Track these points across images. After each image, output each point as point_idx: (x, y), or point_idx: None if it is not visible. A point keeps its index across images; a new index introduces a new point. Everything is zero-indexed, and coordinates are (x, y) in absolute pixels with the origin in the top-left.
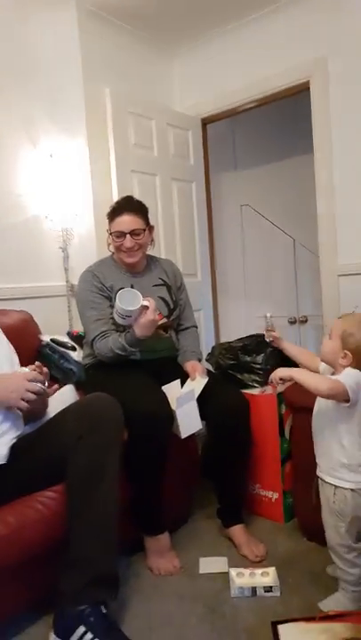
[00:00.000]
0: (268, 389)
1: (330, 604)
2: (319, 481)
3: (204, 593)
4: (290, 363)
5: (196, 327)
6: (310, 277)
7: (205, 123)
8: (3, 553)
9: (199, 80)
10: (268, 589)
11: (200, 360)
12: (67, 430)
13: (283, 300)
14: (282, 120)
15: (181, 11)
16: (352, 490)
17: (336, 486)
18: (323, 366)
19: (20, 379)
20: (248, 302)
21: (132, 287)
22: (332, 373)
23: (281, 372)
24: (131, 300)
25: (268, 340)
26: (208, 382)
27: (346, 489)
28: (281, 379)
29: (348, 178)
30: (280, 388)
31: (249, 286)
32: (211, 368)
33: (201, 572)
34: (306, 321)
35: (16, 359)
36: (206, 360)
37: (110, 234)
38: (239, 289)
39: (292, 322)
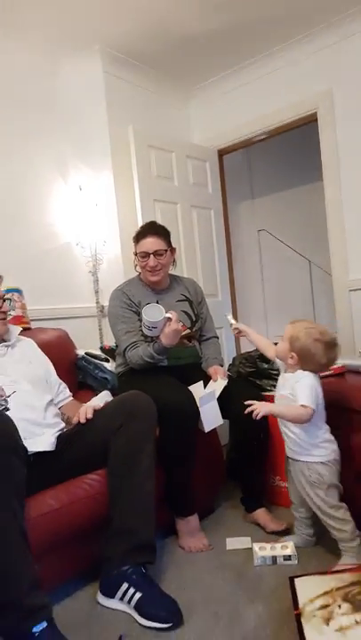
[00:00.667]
0: None
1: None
2: (290, 461)
3: (230, 563)
4: None
5: (217, 337)
6: (326, 296)
7: (222, 154)
8: (56, 524)
9: (214, 114)
10: (288, 558)
11: (222, 365)
12: (108, 421)
13: (300, 317)
14: (295, 149)
15: (196, 52)
16: (321, 462)
17: (308, 462)
18: (278, 360)
19: None
20: (267, 320)
21: (156, 303)
22: (285, 370)
23: (264, 409)
24: (155, 313)
25: (234, 334)
26: (229, 385)
27: (317, 462)
28: (263, 416)
29: (356, 199)
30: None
31: (268, 305)
32: (232, 375)
33: (228, 548)
34: None
35: (51, 368)
36: (228, 370)
37: (136, 255)
38: (258, 308)
39: None
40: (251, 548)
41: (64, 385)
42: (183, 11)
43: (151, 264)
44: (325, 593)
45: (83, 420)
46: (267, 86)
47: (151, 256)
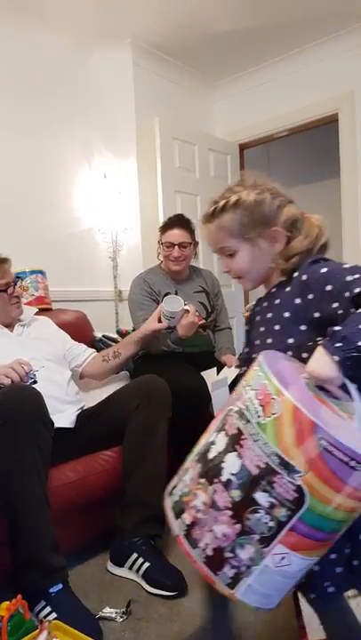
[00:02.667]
0: None
1: None
2: None
3: None
4: None
5: (230, 328)
6: None
7: (243, 148)
8: (74, 493)
9: (237, 109)
10: None
11: (234, 354)
12: (126, 401)
13: None
14: (314, 146)
15: (222, 48)
16: None
17: None
18: None
19: (11, 363)
20: None
21: (176, 293)
22: None
23: None
24: (175, 304)
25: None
26: (240, 373)
27: None
28: None
29: None
30: None
31: None
32: None
33: None
34: None
35: (68, 339)
36: (239, 358)
37: (161, 244)
38: None
39: None
40: None
41: (84, 346)
42: (212, 8)
43: (175, 254)
44: None
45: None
46: (290, 85)
47: (176, 247)
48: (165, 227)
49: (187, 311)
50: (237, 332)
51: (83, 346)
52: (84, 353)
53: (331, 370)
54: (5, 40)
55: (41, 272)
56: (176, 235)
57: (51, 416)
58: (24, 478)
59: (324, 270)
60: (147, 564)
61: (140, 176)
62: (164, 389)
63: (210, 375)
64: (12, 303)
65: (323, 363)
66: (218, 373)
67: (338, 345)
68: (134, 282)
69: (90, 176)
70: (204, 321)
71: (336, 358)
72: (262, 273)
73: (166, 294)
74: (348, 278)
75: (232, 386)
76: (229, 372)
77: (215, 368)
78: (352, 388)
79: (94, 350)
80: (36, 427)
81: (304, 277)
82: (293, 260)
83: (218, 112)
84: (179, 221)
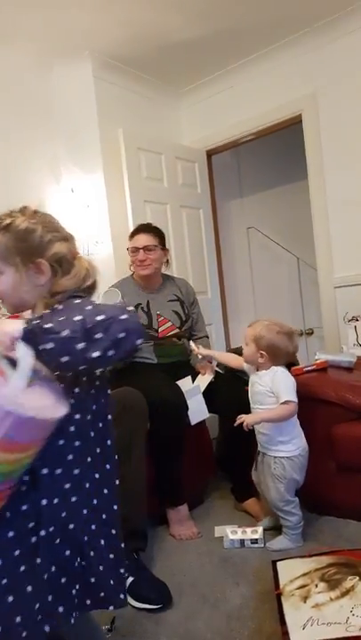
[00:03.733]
0: None
1: (274, 544)
2: (260, 453)
3: (218, 549)
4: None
5: (208, 337)
6: (314, 292)
7: (210, 154)
8: None
9: (202, 116)
10: (255, 541)
11: (210, 362)
12: None
13: (289, 313)
14: (282, 149)
15: (183, 56)
16: (288, 457)
17: (275, 457)
18: (246, 365)
19: None
20: (257, 316)
21: (147, 303)
22: (257, 368)
23: (251, 420)
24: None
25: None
26: (217, 380)
27: (283, 457)
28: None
29: (339, 199)
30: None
31: (258, 302)
32: (220, 371)
33: (216, 535)
34: (312, 333)
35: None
36: (217, 366)
37: (128, 250)
38: (249, 304)
39: (299, 334)
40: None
41: None
42: (170, 18)
43: (140, 258)
44: (304, 574)
45: None
46: (253, 89)
47: (141, 251)
48: (132, 234)
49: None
50: (215, 339)
51: None
52: None
53: (11, 326)
54: None
55: None
56: (141, 239)
57: None
58: None
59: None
60: (130, 579)
61: (108, 188)
62: (140, 401)
63: (185, 384)
64: None
65: (8, 323)
66: (193, 382)
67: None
68: (106, 294)
69: (58, 191)
70: (177, 330)
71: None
72: (24, 301)
73: (137, 305)
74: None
75: (206, 393)
76: (203, 380)
77: (190, 377)
78: (21, 347)
79: None
80: None
81: None
82: (58, 296)
83: (184, 120)
84: (144, 227)
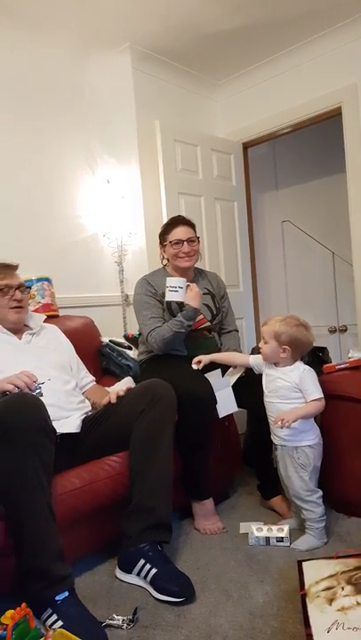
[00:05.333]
0: None
1: (300, 544)
2: (278, 447)
3: (242, 546)
4: (321, 360)
5: (237, 331)
6: (349, 288)
7: (246, 146)
8: (79, 500)
9: (239, 108)
10: (280, 540)
11: None
12: (132, 406)
13: (323, 309)
14: (319, 141)
15: (222, 47)
16: (309, 446)
17: (297, 447)
18: (252, 359)
19: (17, 374)
20: (290, 312)
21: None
22: (276, 364)
23: (289, 417)
24: (176, 280)
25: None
26: (247, 375)
27: (305, 446)
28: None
29: None
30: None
31: (291, 297)
32: None
33: (241, 532)
34: (345, 330)
35: (75, 354)
36: None
37: (165, 244)
38: (281, 299)
39: (333, 331)
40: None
41: (86, 370)
42: (209, 9)
43: (185, 250)
44: (330, 576)
45: (113, 401)
46: (291, 80)
47: (185, 242)
48: (169, 226)
49: (188, 286)
50: (245, 333)
51: (85, 370)
52: (86, 377)
53: None
54: (3, 53)
55: (47, 279)
56: (182, 231)
57: (56, 422)
58: (26, 489)
59: None
60: (154, 570)
61: (143, 179)
62: (169, 393)
63: (214, 377)
64: (11, 307)
65: None
66: (223, 375)
67: None
68: (138, 283)
69: (93, 182)
70: (208, 323)
71: None
72: None
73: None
74: None
75: (235, 388)
76: (233, 374)
77: (219, 370)
78: None
79: (94, 379)
80: (36, 436)
81: None
82: None
83: (220, 112)
84: (183, 219)
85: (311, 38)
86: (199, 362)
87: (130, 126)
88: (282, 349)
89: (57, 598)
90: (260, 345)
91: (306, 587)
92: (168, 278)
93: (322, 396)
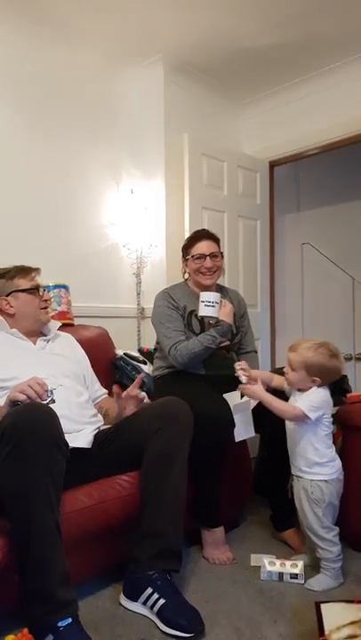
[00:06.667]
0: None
1: (315, 584)
2: (295, 478)
3: (254, 580)
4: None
5: (256, 352)
6: None
7: (273, 165)
8: (87, 520)
9: (268, 126)
10: (295, 576)
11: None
12: (146, 423)
13: (339, 336)
14: (344, 164)
15: (254, 65)
16: (325, 480)
17: (312, 480)
18: (287, 386)
19: (27, 380)
20: (305, 334)
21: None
22: (299, 389)
23: (257, 393)
24: (212, 295)
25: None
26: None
27: (320, 480)
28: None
29: None
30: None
31: (306, 320)
32: None
33: (252, 564)
34: None
35: (89, 365)
36: None
37: (187, 258)
38: (297, 322)
39: (348, 358)
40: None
41: (99, 384)
42: (248, 24)
43: (208, 265)
44: (353, 622)
45: (133, 393)
46: (322, 102)
47: (207, 257)
48: (193, 240)
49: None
50: (261, 355)
51: (98, 383)
52: (99, 390)
53: None
54: (34, 60)
55: (64, 287)
56: (206, 245)
57: (67, 435)
58: (35, 507)
59: None
60: (162, 601)
61: (168, 192)
62: (186, 413)
63: (233, 398)
64: (42, 307)
65: None
66: (242, 397)
67: None
68: (159, 296)
69: (117, 192)
70: (228, 342)
71: None
72: None
73: (192, 312)
74: None
75: (255, 410)
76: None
77: (239, 391)
78: None
79: (107, 392)
80: (49, 450)
81: None
82: None
83: (247, 129)
84: (207, 233)
85: (343, 61)
86: (244, 369)
87: (158, 138)
88: (311, 380)
89: (59, 624)
90: (285, 370)
91: (326, 632)
92: (203, 293)
93: (308, 414)
